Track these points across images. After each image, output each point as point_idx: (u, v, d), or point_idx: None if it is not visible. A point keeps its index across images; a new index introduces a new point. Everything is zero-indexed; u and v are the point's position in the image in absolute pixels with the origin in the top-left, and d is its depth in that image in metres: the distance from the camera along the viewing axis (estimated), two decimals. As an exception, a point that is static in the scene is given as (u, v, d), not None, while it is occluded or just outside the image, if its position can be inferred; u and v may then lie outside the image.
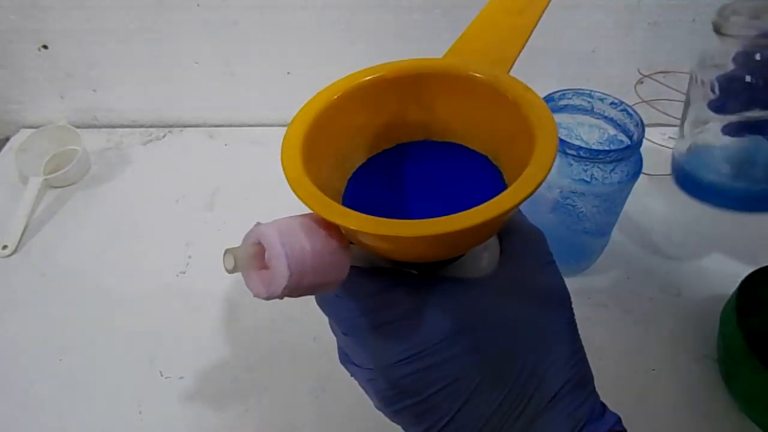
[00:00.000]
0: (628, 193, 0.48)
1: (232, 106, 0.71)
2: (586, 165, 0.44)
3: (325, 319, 0.52)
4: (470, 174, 0.28)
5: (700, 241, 0.58)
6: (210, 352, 0.47)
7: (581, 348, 0.27)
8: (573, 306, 0.47)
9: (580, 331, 0.51)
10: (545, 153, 0.22)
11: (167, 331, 0.49)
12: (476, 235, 0.24)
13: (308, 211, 0.23)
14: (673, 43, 0.65)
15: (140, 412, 0.43)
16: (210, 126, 0.72)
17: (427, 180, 0.29)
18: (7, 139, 0.70)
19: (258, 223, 0.22)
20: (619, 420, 0.26)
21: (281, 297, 0.21)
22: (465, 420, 0.23)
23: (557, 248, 0.51)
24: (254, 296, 0.22)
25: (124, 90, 0.69)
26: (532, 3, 0.31)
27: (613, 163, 0.44)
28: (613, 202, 0.47)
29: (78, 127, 0.66)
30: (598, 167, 0.44)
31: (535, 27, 0.30)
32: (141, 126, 0.72)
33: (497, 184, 0.26)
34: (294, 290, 0.22)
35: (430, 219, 0.21)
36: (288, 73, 0.67)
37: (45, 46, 0.64)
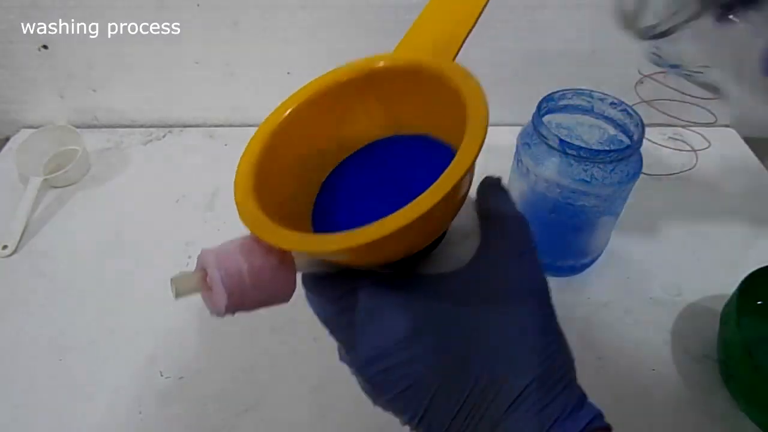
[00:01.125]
0: (628, 193, 0.48)
1: (232, 106, 0.71)
2: (586, 165, 0.44)
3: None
4: (436, 164, 0.28)
5: (700, 241, 0.58)
6: (210, 352, 0.47)
7: (556, 340, 0.25)
8: (571, 306, 0.46)
9: (580, 331, 0.51)
10: (467, 151, 0.23)
11: (167, 331, 0.49)
12: (411, 237, 0.24)
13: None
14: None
15: (140, 412, 0.43)
16: (210, 126, 0.72)
17: (396, 174, 0.29)
18: (7, 139, 0.70)
19: (202, 250, 0.24)
20: (599, 415, 0.24)
21: (232, 314, 0.24)
22: (432, 419, 0.24)
23: (557, 248, 0.51)
24: (210, 315, 0.24)
25: (124, 90, 0.69)
26: None
27: (613, 163, 0.44)
28: (613, 202, 0.47)
29: (78, 127, 0.66)
30: (598, 167, 0.44)
31: (481, 13, 0.30)
32: (141, 126, 0.72)
33: None
34: (239, 307, 0.24)
35: (353, 230, 0.22)
36: (288, 73, 0.67)
37: (45, 46, 0.64)
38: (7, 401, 0.44)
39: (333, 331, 0.26)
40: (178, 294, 0.23)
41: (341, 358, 0.28)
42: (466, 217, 0.29)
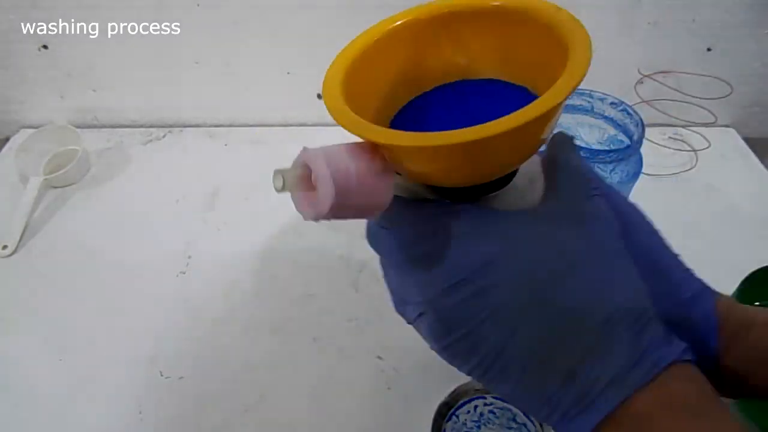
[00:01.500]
0: (629, 193, 0.48)
1: (232, 106, 0.71)
2: (586, 165, 0.44)
3: (325, 319, 0.52)
4: (510, 107, 0.28)
5: (700, 241, 0.58)
6: (210, 352, 0.47)
7: (635, 274, 0.25)
8: None
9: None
10: (578, 62, 0.23)
11: (167, 331, 0.49)
12: (507, 148, 0.24)
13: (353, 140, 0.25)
14: (673, 43, 0.65)
15: (140, 412, 0.43)
16: (210, 126, 0.72)
17: (469, 116, 0.29)
18: (7, 139, 0.70)
19: (305, 148, 0.24)
20: (687, 349, 0.23)
21: (328, 218, 0.23)
22: (511, 352, 0.23)
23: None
24: (304, 219, 0.24)
25: (124, 90, 0.69)
26: None
27: (613, 163, 0.44)
28: (613, 202, 0.47)
29: (78, 127, 0.66)
30: (598, 167, 0.44)
31: None
32: (141, 126, 0.72)
33: None
34: (340, 210, 0.23)
35: (456, 130, 0.22)
36: (288, 73, 0.67)
37: (45, 46, 0.64)
38: (7, 401, 0.44)
39: (400, 264, 0.25)
40: (284, 188, 0.23)
41: (398, 305, 0.27)
42: (530, 163, 0.29)
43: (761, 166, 0.67)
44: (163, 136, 0.71)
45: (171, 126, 0.72)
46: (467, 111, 0.30)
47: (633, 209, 0.29)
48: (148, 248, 0.56)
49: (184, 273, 0.54)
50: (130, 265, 0.54)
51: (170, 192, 0.62)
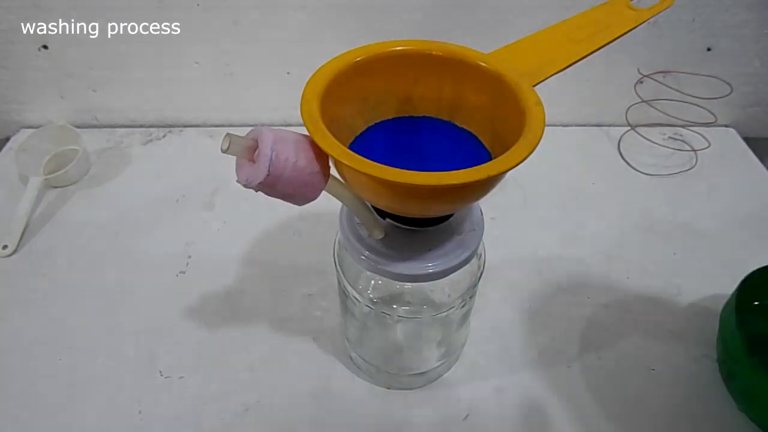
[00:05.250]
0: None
1: (232, 106, 0.71)
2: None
3: (325, 319, 0.52)
4: (466, 158, 0.32)
5: (700, 241, 0.58)
6: (210, 352, 0.47)
7: None
8: (571, 306, 0.46)
9: (580, 331, 0.51)
10: (519, 152, 0.26)
11: (167, 331, 0.49)
12: (451, 198, 0.27)
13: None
14: (673, 43, 0.65)
15: (140, 412, 0.43)
16: (210, 126, 0.72)
17: (429, 154, 0.32)
18: (7, 139, 0.70)
19: (262, 125, 0.26)
20: None
21: (256, 190, 0.26)
22: None
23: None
24: (236, 181, 0.26)
25: (124, 90, 0.69)
26: (592, 38, 0.34)
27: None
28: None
29: (78, 127, 0.66)
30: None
31: (582, 59, 0.33)
32: (141, 126, 0.72)
33: None
34: (267, 189, 0.26)
35: (404, 170, 0.24)
36: (288, 73, 0.67)
37: (45, 46, 0.64)
38: (7, 401, 0.44)
39: None
40: (228, 150, 0.24)
41: None
42: None
43: (761, 166, 0.67)
44: (163, 136, 0.71)
45: (171, 126, 0.72)
46: (432, 152, 0.33)
47: None
48: (148, 248, 0.56)
49: (184, 273, 0.54)
50: (129, 265, 0.54)
51: (170, 192, 0.62)
